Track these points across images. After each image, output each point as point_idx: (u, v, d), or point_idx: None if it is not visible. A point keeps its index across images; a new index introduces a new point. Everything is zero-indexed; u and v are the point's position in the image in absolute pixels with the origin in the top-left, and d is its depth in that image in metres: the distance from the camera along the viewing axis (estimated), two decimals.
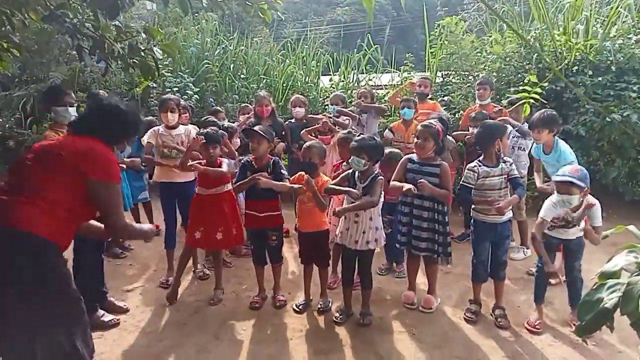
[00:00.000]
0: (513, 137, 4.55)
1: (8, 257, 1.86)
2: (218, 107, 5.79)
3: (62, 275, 2.00)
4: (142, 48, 2.08)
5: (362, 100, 5.26)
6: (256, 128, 3.54)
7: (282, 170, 3.50)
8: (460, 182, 3.37)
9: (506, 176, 3.29)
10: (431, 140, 3.32)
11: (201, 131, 3.82)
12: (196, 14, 9.13)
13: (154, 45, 2.03)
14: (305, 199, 3.40)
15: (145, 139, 4.08)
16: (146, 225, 2.57)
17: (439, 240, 3.37)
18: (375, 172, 3.25)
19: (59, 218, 1.96)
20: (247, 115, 5.31)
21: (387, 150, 3.69)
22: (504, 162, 3.32)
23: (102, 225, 2.22)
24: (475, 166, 3.30)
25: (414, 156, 3.43)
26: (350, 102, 7.12)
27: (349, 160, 3.25)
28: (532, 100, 1.45)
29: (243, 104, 5.91)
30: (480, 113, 4.69)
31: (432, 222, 3.35)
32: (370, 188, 3.15)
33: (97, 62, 2.14)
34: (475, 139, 3.48)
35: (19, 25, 1.80)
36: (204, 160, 3.61)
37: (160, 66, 2.23)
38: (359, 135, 3.50)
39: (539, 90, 1.41)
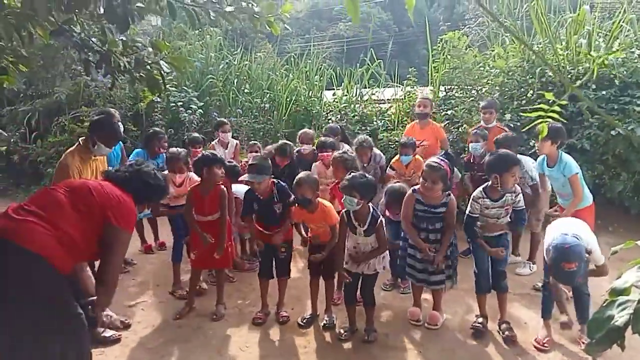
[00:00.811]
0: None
1: (6, 268, 1.95)
2: (224, 119, 5.75)
3: (55, 289, 2.04)
4: (149, 62, 2.09)
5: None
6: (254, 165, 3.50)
7: (288, 196, 3.48)
8: (467, 213, 3.38)
9: (509, 208, 3.27)
10: (439, 182, 3.23)
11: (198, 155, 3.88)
12: (200, 30, 9.25)
13: (161, 59, 2.04)
14: (314, 227, 3.44)
15: None
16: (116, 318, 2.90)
17: (448, 271, 3.42)
18: (371, 211, 3.17)
19: (62, 244, 2.05)
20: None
21: (396, 185, 3.77)
22: (511, 193, 3.25)
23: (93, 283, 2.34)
24: (479, 197, 3.30)
25: (420, 196, 3.34)
26: (354, 117, 7.14)
27: (342, 200, 3.18)
28: (550, 120, 1.39)
29: (252, 142, 5.64)
30: (481, 130, 4.67)
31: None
32: (374, 234, 3.15)
33: (103, 76, 2.15)
34: (485, 166, 3.39)
35: (27, 40, 1.82)
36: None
37: (165, 80, 2.23)
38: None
39: (557, 109, 1.35)
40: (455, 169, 4.45)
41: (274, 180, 3.56)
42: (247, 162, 5.01)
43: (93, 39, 2.11)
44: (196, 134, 5.29)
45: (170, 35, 9.14)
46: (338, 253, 3.27)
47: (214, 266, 3.79)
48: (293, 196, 3.43)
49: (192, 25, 1.96)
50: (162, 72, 2.11)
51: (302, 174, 3.39)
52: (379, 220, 3.14)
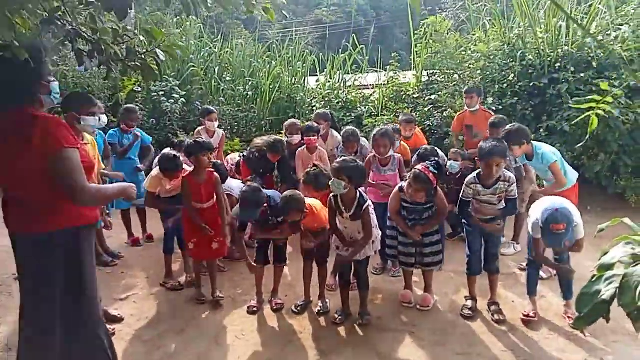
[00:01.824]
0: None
1: None
2: (211, 107, 5.67)
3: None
4: (144, 51, 2.05)
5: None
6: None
7: (281, 216, 3.42)
8: (460, 197, 3.44)
9: (502, 195, 3.32)
10: (423, 191, 3.25)
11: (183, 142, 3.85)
12: (179, 17, 9.06)
13: (156, 47, 2.00)
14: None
15: (146, 185, 4.03)
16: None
17: (437, 253, 3.50)
18: (358, 197, 3.19)
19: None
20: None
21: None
22: (504, 181, 3.29)
23: None
24: (472, 183, 3.36)
25: (406, 197, 3.39)
26: (339, 103, 7.14)
27: (330, 183, 3.15)
28: (602, 112, 1.38)
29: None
30: (463, 151, 4.79)
31: (429, 235, 3.45)
32: (360, 219, 3.17)
33: (97, 66, 2.10)
34: (479, 152, 3.38)
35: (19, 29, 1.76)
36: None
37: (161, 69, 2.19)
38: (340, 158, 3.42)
39: (609, 99, 1.35)
40: (445, 159, 4.61)
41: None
42: (232, 162, 5.01)
43: (82, 28, 2.06)
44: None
45: (147, 23, 8.92)
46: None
47: (213, 256, 3.79)
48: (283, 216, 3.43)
49: (187, 12, 1.92)
50: (158, 60, 2.07)
51: (286, 199, 3.27)
52: (365, 206, 3.16)
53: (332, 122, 5.20)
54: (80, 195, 2.01)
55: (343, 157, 3.29)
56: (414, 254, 3.48)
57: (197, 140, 3.73)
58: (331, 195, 3.27)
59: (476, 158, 3.62)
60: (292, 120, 5.34)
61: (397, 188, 3.50)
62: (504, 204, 3.37)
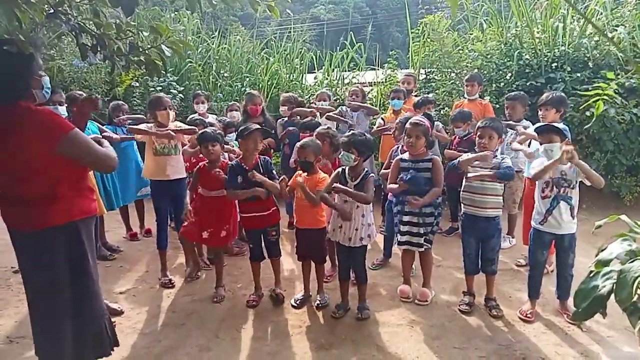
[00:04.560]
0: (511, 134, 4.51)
1: None
2: (198, 91, 5.77)
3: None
4: (148, 46, 2.06)
5: (354, 99, 5.33)
6: (254, 126, 3.54)
7: (272, 170, 3.53)
8: (450, 164, 3.49)
9: (494, 168, 3.29)
10: (422, 137, 3.39)
11: (198, 132, 3.82)
12: (176, 12, 9.03)
13: (162, 43, 2.01)
14: (302, 195, 3.42)
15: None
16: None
17: (431, 231, 3.52)
18: (366, 169, 3.29)
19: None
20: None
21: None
22: (497, 157, 3.33)
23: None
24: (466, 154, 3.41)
25: (406, 155, 3.50)
26: (337, 100, 7.18)
27: (339, 156, 3.26)
28: (606, 97, 1.46)
29: (231, 102, 5.88)
30: (459, 113, 4.78)
31: (430, 216, 3.45)
32: (362, 187, 3.20)
33: (102, 60, 2.10)
34: (477, 129, 3.44)
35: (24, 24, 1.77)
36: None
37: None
38: (349, 131, 3.51)
39: (614, 85, 1.42)
40: (437, 122, 4.87)
41: (259, 155, 3.58)
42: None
43: (86, 22, 2.07)
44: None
45: (145, 18, 8.89)
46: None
47: (221, 243, 3.83)
48: (275, 173, 3.53)
49: (192, 9, 1.93)
50: (164, 56, 2.08)
51: (307, 139, 3.49)
52: (369, 176, 3.23)
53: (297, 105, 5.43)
54: (107, 162, 2.13)
55: (352, 131, 3.38)
56: (406, 233, 3.48)
57: (207, 130, 3.73)
58: (339, 169, 3.33)
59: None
60: (285, 94, 5.66)
61: (397, 159, 3.54)
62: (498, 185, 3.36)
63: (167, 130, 3.90)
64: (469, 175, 3.32)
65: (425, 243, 3.49)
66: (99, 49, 2.01)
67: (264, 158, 3.58)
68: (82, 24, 1.95)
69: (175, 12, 8.91)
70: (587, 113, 5.47)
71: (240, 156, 3.58)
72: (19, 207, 2.11)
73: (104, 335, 2.39)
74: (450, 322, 3.31)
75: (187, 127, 4.15)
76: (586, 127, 5.03)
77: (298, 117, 5.11)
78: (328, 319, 3.39)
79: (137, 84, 7.18)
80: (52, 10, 1.87)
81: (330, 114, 5.20)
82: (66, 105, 3.99)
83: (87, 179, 2.31)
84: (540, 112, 3.98)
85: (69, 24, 1.88)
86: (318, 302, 3.54)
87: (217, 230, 3.67)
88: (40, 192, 2.08)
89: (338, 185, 3.22)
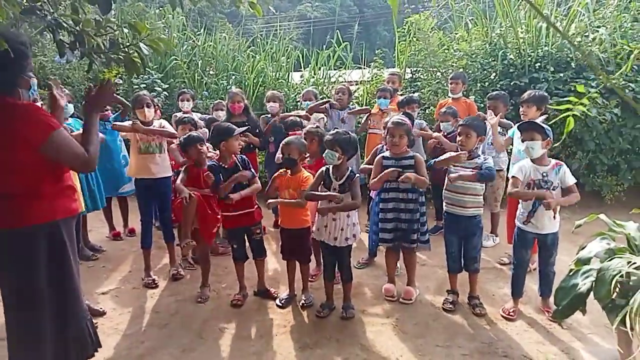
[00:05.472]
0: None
1: None
2: (184, 89, 5.75)
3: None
4: (127, 44, 2.02)
5: (340, 97, 5.31)
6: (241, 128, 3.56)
7: (250, 169, 3.54)
8: (428, 164, 3.51)
9: (476, 169, 3.30)
10: (405, 136, 3.40)
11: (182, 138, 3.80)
12: (160, 9, 8.92)
13: (140, 41, 1.98)
14: (287, 195, 3.41)
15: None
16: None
17: (422, 230, 3.50)
18: (350, 169, 3.28)
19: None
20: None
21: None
22: (479, 157, 3.35)
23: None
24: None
25: (388, 154, 3.50)
26: (322, 99, 7.17)
27: (324, 154, 3.26)
28: (577, 113, 1.42)
29: (217, 101, 5.84)
30: (450, 108, 4.81)
31: (414, 212, 3.44)
32: (349, 188, 3.19)
33: (79, 57, 2.06)
34: (460, 127, 3.47)
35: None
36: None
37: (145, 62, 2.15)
38: (333, 130, 3.50)
39: (586, 102, 1.38)
40: (421, 121, 5.05)
41: (239, 155, 3.61)
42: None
43: (62, 19, 2.02)
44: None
45: (128, 14, 8.76)
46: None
47: (212, 239, 3.83)
48: (254, 171, 3.58)
49: (172, 6, 1.90)
50: (142, 54, 2.05)
51: (292, 137, 3.53)
52: (355, 177, 3.21)
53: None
54: (89, 164, 2.11)
55: (336, 130, 3.36)
56: (394, 230, 3.47)
57: (191, 135, 3.73)
58: (323, 168, 3.32)
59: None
60: (272, 91, 5.64)
61: (379, 157, 3.54)
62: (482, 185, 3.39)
63: (149, 129, 3.87)
64: (451, 175, 3.34)
65: (416, 238, 3.47)
66: (77, 46, 1.96)
67: (241, 156, 3.59)
68: (59, 20, 1.91)
69: (160, 8, 8.81)
70: (569, 113, 5.55)
71: (218, 156, 3.59)
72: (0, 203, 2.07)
73: (86, 337, 2.35)
74: (434, 320, 3.33)
75: (171, 130, 4.13)
76: (556, 144, 5.11)
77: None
78: (313, 318, 3.38)
79: (121, 82, 7.08)
80: (27, 6, 1.82)
81: (312, 104, 5.17)
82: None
83: (70, 177, 2.27)
84: (521, 109, 4.06)
85: (45, 19, 1.83)
86: (303, 301, 3.54)
87: (211, 227, 3.67)
88: (23, 188, 2.05)
89: (328, 206, 3.18)
